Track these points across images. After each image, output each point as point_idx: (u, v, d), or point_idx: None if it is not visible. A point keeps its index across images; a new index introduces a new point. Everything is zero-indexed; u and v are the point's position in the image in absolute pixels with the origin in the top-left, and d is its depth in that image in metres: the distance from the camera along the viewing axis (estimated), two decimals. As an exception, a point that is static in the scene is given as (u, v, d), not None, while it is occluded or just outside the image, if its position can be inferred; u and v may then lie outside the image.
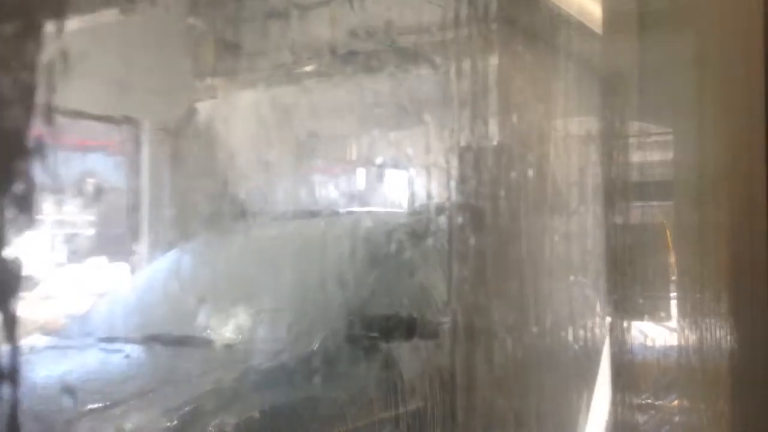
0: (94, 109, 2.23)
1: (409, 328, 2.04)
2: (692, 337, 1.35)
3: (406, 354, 2.04)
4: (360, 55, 2.35)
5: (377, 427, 1.93)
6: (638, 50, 1.30)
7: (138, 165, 2.43)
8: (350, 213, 2.47)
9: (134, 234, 2.37)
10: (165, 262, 2.42)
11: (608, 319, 1.56)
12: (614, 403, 1.51)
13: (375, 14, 2.36)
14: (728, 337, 1.22)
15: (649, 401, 1.61)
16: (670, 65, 1.27)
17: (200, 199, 2.29)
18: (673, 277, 1.44)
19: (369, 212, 2.52)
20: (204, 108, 2.50)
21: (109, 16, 2.07)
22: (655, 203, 1.52)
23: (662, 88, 1.31)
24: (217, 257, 2.32)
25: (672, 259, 1.44)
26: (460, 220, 1.79)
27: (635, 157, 1.41)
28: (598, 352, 1.72)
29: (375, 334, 2.00)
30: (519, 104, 1.85)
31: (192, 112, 2.53)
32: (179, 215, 2.34)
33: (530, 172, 1.86)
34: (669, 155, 1.37)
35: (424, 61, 2.30)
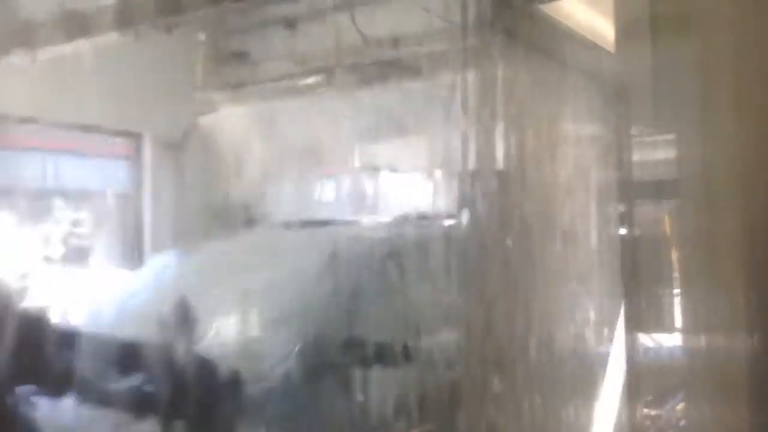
0: (99, 123, 2.23)
1: (380, 354, 1.79)
2: (704, 341, 1.36)
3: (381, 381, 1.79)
4: (362, 67, 2.37)
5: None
6: (650, 60, 1.32)
7: (141, 176, 2.42)
8: (325, 224, 2.25)
9: (135, 242, 2.36)
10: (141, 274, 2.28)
11: (621, 328, 1.57)
12: (628, 408, 1.52)
13: (377, 28, 2.38)
14: (745, 343, 1.23)
15: (661, 408, 1.62)
16: (682, 73, 1.29)
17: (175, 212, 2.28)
18: (688, 285, 1.45)
19: (346, 223, 2.28)
20: (205, 121, 2.51)
21: (113, 37, 2.07)
22: (666, 210, 1.54)
23: (673, 95, 1.33)
24: (185, 270, 2.11)
25: (683, 261, 1.46)
26: (453, 233, 1.77)
27: (646, 165, 1.43)
28: (608, 361, 1.73)
29: (342, 360, 1.76)
30: (523, 120, 1.88)
31: (194, 126, 2.54)
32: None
33: (533, 188, 1.88)
34: (679, 162, 1.39)
35: (427, 73, 2.32)
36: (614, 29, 1.42)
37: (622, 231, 1.59)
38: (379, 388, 1.74)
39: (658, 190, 1.50)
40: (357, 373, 1.72)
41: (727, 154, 1.19)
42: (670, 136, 1.39)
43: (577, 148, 1.93)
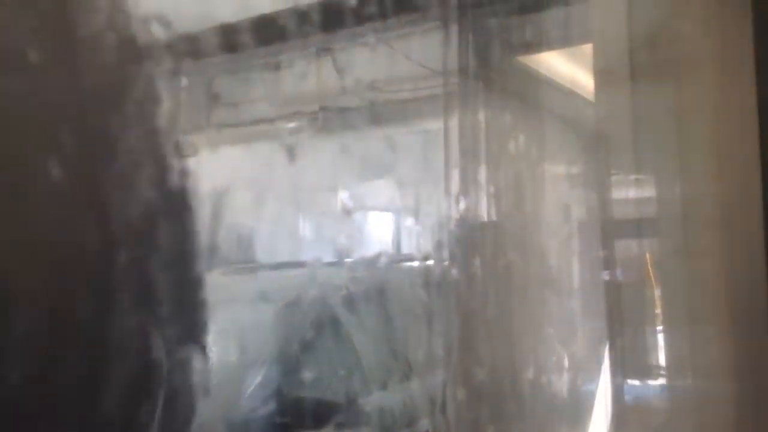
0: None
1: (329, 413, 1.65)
2: (688, 380, 1.38)
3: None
4: (343, 111, 2.41)
5: None
6: (629, 104, 1.36)
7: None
8: (282, 266, 2.15)
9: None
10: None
11: (605, 369, 1.58)
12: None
13: (358, 72, 2.42)
14: (726, 380, 1.25)
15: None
16: (661, 116, 1.33)
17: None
18: (670, 326, 1.47)
19: (308, 265, 2.14)
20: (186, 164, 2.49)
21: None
22: (645, 246, 1.57)
23: (653, 138, 1.37)
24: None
25: (664, 301, 1.48)
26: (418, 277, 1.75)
27: (629, 203, 1.46)
28: (593, 403, 1.74)
29: (288, 421, 1.63)
30: (503, 165, 1.91)
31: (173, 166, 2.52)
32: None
33: (514, 230, 1.90)
34: (657, 202, 1.42)
35: (408, 118, 2.36)
36: (593, 78, 1.46)
37: (604, 272, 1.61)
38: None
39: (638, 230, 1.53)
40: None
41: (703, 195, 1.22)
42: (649, 178, 1.43)
43: (557, 191, 1.97)
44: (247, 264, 2.09)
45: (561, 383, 1.79)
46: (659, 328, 1.54)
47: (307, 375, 1.69)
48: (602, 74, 1.44)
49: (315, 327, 1.78)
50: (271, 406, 1.59)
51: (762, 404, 1.13)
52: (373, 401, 1.66)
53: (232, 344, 1.67)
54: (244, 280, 2.03)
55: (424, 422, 1.56)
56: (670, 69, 1.29)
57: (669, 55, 1.29)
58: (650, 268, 1.64)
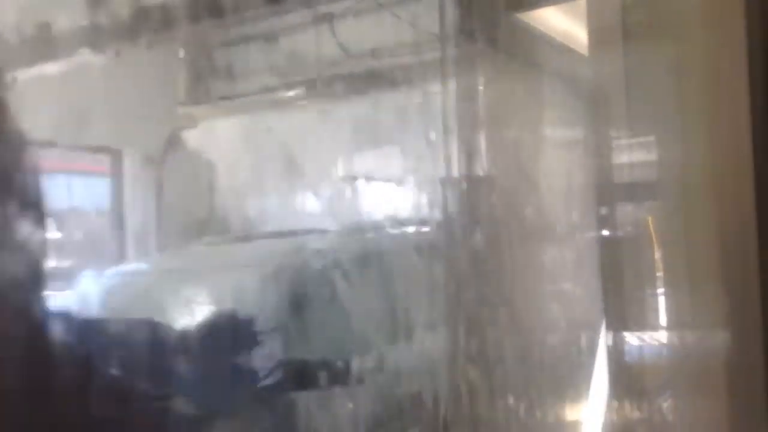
0: (77, 140, 2.23)
1: (323, 374, 1.65)
2: (686, 339, 1.38)
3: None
4: (342, 79, 2.39)
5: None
6: (623, 63, 1.35)
7: (121, 192, 2.42)
8: (284, 234, 2.13)
9: (116, 257, 2.35)
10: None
11: (602, 325, 1.59)
12: (610, 405, 1.54)
13: (357, 39, 2.40)
14: (721, 337, 1.25)
15: (647, 405, 1.64)
16: (655, 75, 1.32)
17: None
18: (665, 280, 1.48)
19: (307, 233, 2.13)
20: (187, 135, 2.51)
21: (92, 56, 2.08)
22: (643, 207, 1.57)
23: (647, 97, 1.36)
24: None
25: (663, 261, 1.48)
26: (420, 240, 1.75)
27: (625, 165, 1.46)
28: (592, 358, 1.75)
29: (283, 382, 1.62)
30: (504, 126, 1.90)
31: (175, 140, 2.54)
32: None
33: (514, 193, 1.90)
34: (655, 159, 1.41)
35: (408, 83, 2.34)
36: (588, 35, 1.45)
37: (604, 232, 1.61)
38: (324, 410, 1.64)
39: (635, 191, 1.53)
40: (300, 396, 1.61)
41: (695, 156, 1.21)
42: (643, 139, 1.42)
43: (557, 152, 1.96)
44: (241, 233, 2.10)
45: (562, 342, 1.80)
46: (658, 289, 1.54)
47: (297, 338, 1.71)
48: (596, 32, 1.42)
49: (304, 291, 1.80)
50: (260, 369, 1.61)
51: (753, 359, 1.14)
52: (365, 363, 1.68)
53: (222, 308, 1.69)
54: (236, 248, 2.05)
55: (417, 385, 1.59)
56: (664, 27, 1.27)
57: (662, 13, 1.27)
58: (652, 230, 1.64)
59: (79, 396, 1.08)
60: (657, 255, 1.52)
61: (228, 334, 1.60)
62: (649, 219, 1.68)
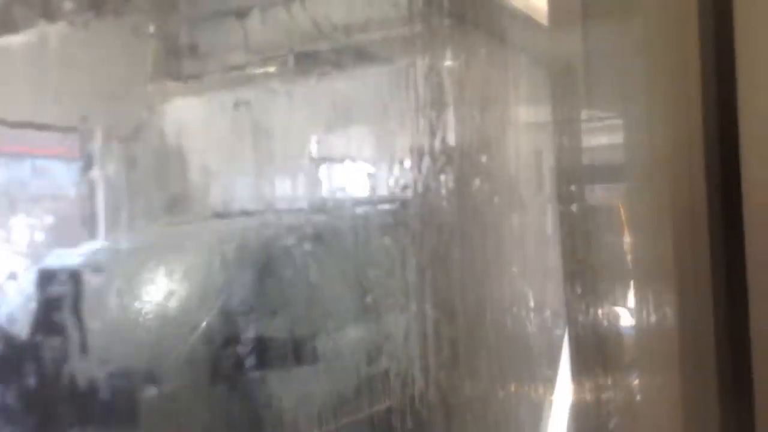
0: (44, 119, 2.20)
1: (288, 352, 1.62)
2: (643, 319, 1.39)
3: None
4: (314, 55, 2.37)
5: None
6: (583, 40, 1.33)
7: (91, 171, 2.39)
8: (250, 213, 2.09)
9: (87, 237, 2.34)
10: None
11: (564, 306, 1.60)
12: (581, 384, 1.56)
13: (328, 13, 2.37)
14: (674, 318, 1.26)
15: (605, 380, 1.66)
16: (614, 54, 1.31)
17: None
18: (626, 260, 1.48)
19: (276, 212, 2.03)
20: (158, 113, 2.48)
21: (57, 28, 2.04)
22: (605, 187, 1.57)
23: (608, 75, 1.35)
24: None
25: (623, 242, 1.49)
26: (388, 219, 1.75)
27: (585, 143, 1.45)
28: (558, 337, 1.77)
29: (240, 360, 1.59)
30: (474, 102, 1.88)
31: (146, 118, 2.51)
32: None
33: (484, 169, 1.89)
34: (617, 140, 1.41)
35: (379, 59, 2.32)
36: (548, 11, 1.43)
37: (567, 211, 1.61)
38: (290, 388, 1.63)
39: (598, 172, 1.53)
40: (265, 374, 1.59)
41: (655, 138, 1.21)
42: (600, 118, 1.41)
43: (525, 131, 1.95)
44: (208, 211, 2.09)
45: (529, 324, 1.81)
46: (619, 271, 1.55)
47: (261, 314, 1.71)
48: (556, 8, 1.40)
49: (266, 269, 1.80)
50: (222, 346, 1.61)
51: (704, 338, 1.14)
52: (329, 340, 1.69)
53: (182, 287, 1.69)
54: (199, 228, 2.04)
55: (384, 361, 1.59)
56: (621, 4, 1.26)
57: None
58: (621, 213, 1.64)
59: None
60: (619, 238, 1.52)
61: (188, 311, 1.60)
62: (619, 202, 1.68)
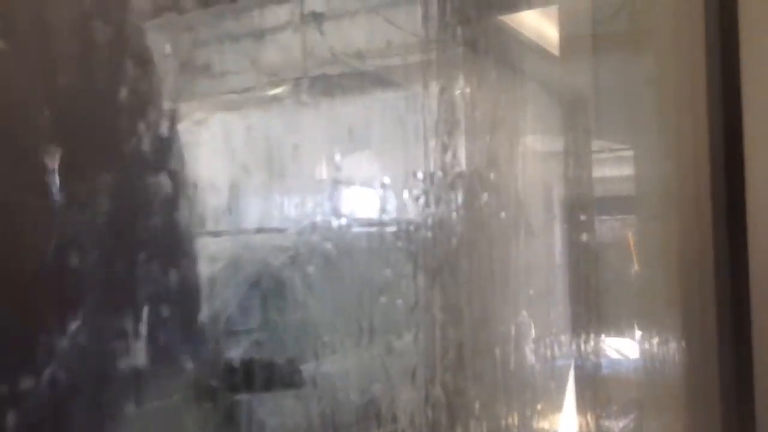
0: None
1: (270, 376, 1.56)
2: (649, 351, 1.38)
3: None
4: (328, 79, 2.38)
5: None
6: (594, 72, 1.34)
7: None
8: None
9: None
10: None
11: (571, 336, 1.58)
12: (586, 419, 1.53)
13: (343, 39, 2.40)
14: (680, 350, 1.25)
15: (618, 419, 1.64)
16: (625, 86, 1.31)
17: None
18: (633, 291, 1.47)
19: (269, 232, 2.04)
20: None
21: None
22: (614, 218, 1.56)
23: (617, 107, 1.36)
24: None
25: (633, 273, 1.48)
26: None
27: (595, 174, 1.45)
28: (561, 370, 1.74)
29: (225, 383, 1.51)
30: (486, 130, 1.89)
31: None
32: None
33: (495, 196, 1.89)
34: (626, 171, 1.41)
35: (393, 85, 2.33)
36: (560, 41, 1.44)
37: (576, 241, 1.60)
38: (274, 412, 1.58)
39: (609, 202, 1.52)
40: (249, 396, 1.56)
41: (659, 170, 1.21)
42: (610, 152, 1.41)
43: (536, 160, 1.95)
44: (210, 229, 2.09)
45: (535, 353, 1.79)
46: (625, 303, 1.53)
47: (246, 336, 1.69)
48: (567, 41, 1.41)
49: (256, 288, 1.78)
50: (207, 367, 1.59)
51: (710, 374, 1.13)
52: (320, 365, 1.67)
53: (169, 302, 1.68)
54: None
55: (377, 388, 1.57)
56: (631, 39, 1.27)
57: (630, 25, 1.26)
58: (632, 247, 1.63)
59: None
60: (629, 268, 1.51)
61: (174, 328, 1.60)
62: (629, 233, 1.67)
